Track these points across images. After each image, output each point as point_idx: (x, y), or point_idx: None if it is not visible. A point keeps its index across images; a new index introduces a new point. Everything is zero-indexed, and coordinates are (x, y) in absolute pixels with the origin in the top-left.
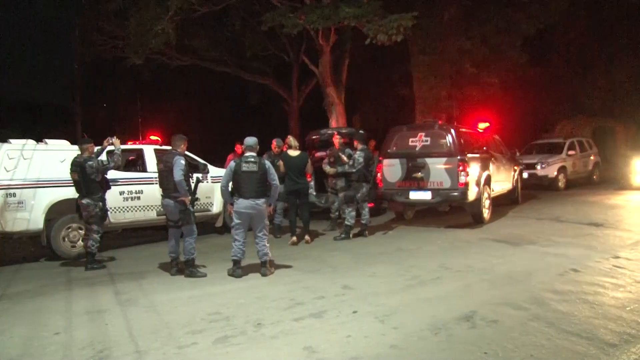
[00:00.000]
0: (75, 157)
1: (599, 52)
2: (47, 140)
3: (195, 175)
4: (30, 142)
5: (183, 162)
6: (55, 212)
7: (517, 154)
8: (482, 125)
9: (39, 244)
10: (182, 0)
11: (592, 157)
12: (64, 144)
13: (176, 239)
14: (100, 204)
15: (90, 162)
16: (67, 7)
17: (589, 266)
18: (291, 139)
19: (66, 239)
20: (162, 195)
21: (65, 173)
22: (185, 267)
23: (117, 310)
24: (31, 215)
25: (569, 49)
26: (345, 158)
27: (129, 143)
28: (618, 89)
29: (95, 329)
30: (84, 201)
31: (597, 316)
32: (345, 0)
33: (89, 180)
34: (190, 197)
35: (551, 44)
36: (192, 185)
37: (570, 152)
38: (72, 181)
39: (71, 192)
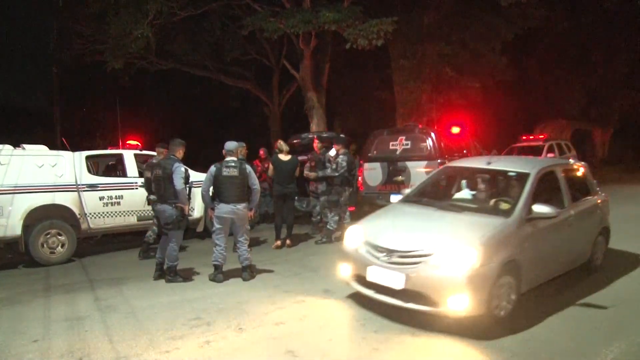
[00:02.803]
0: (153, 160)
1: (577, 57)
2: (25, 145)
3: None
4: (8, 147)
5: (183, 169)
6: (34, 218)
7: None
8: (455, 130)
9: (17, 250)
10: (162, 4)
11: (570, 160)
12: (42, 149)
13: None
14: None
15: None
16: (45, 10)
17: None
18: (282, 143)
19: (45, 245)
20: (157, 201)
21: (43, 179)
22: (166, 273)
23: (97, 317)
24: (8, 222)
25: (548, 54)
26: (335, 157)
27: (109, 148)
28: (595, 93)
29: (75, 335)
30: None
31: None
32: (326, 4)
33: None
34: (188, 205)
35: (530, 49)
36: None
37: (550, 155)
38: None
39: (49, 199)
